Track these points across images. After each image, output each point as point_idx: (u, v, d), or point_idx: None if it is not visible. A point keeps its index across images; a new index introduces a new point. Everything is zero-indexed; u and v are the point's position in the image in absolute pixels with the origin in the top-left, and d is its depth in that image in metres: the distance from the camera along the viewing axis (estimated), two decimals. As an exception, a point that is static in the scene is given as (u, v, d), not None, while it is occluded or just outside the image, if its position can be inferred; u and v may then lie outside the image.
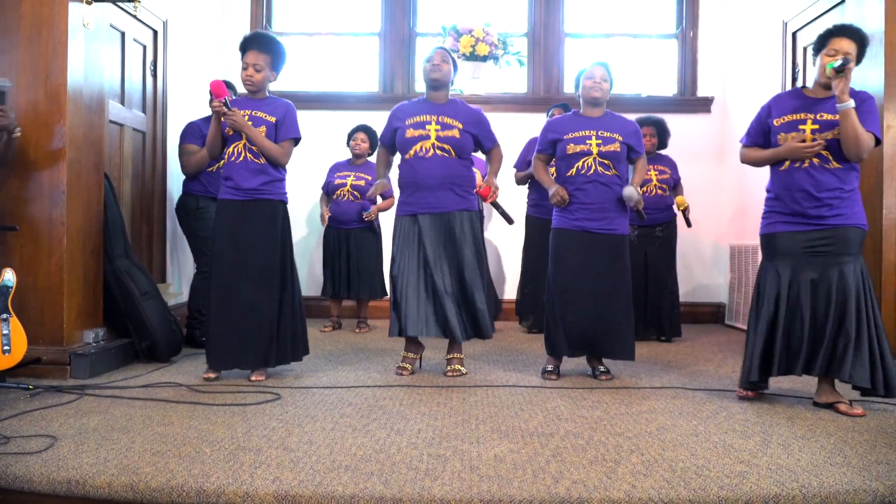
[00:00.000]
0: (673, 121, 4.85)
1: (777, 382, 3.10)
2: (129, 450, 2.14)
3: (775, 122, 2.82)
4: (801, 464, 2.07)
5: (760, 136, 2.90)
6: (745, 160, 2.96)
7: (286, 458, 2.08)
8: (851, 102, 2.60)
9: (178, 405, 2.70)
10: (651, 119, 4.56)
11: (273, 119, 3.14)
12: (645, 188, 4.50)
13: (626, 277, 3.25)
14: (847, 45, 2.67)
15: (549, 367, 3.32)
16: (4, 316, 2.77)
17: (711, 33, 5.54)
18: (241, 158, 3.12)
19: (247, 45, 3.13)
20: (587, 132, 3.24)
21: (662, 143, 4.57)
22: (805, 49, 4.23)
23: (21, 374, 2.97)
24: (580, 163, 3.23)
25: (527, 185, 4.81)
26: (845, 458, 2.13)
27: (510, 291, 5.40)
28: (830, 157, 2.70)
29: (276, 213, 3.18)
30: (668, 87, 5.65)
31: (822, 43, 2.72)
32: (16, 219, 3.17)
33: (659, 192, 4.53)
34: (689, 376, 3.34)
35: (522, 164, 4.73)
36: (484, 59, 5.33)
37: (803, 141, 2.71)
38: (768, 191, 2.89)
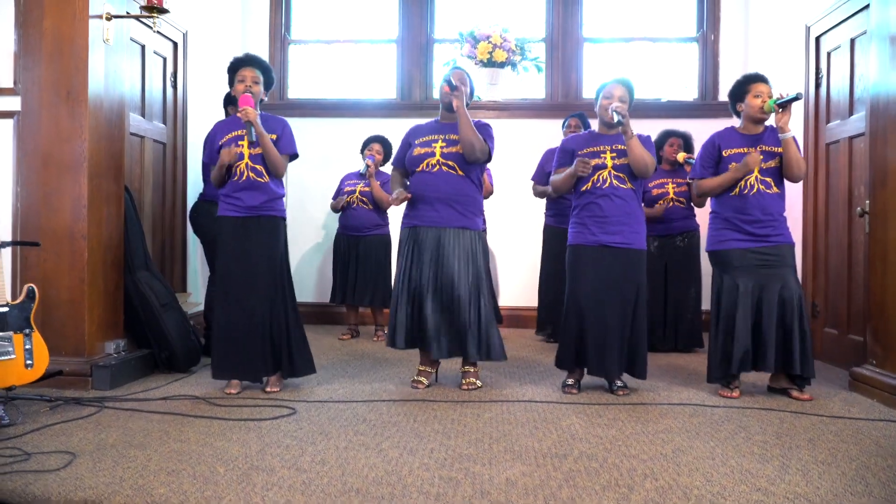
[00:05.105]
0: (694, 126, 4.79)
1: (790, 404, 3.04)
2: (145, 468, 2.16)
3: (725, 153, 3.23)
4: (819, 492, 2.03)
5: (713, 167, 3.27)
6: (701, 192, 3.31)
7: (298, 479, 2.09)
8: (791, 132, 3.10)
9: (195, 420, 2.73)
10: (682, 132, 4.59)
11: (274, 136, 3.21)
12: (662, 200, 4.47)
13: (642, 293, 3.22)
14: (766, 88, 3.19)
15: (570, 382, 3.30)
16: (27, 331, 2.83)
17: (733, 37, 5.45)
18: (245, 178, 3.17)
19: (240, 64, 3.25)
20: (602, 147, 3.24)
21: None
22: (829, 54, 4.14)
23: (44, 386, 3.02)
24: (595, 176, 3.22)
25: (544, 196, 4.77)
26: (867, 486, 2.08)
27: (526, 300, 5.35)
28: (772, 183, 3.17)
29: (277, 228, 3.24)
30: (688, 91, 5.58)
31: (742, 89, 3.23)
32: (38, 233, 3.23)
33: (677, 203, 4.47)
34: (709, 391, 3.29)
35: (540, 175, 4.68)
36: (501, 65, 5.30)
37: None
38: (715, 212, 3.27)
